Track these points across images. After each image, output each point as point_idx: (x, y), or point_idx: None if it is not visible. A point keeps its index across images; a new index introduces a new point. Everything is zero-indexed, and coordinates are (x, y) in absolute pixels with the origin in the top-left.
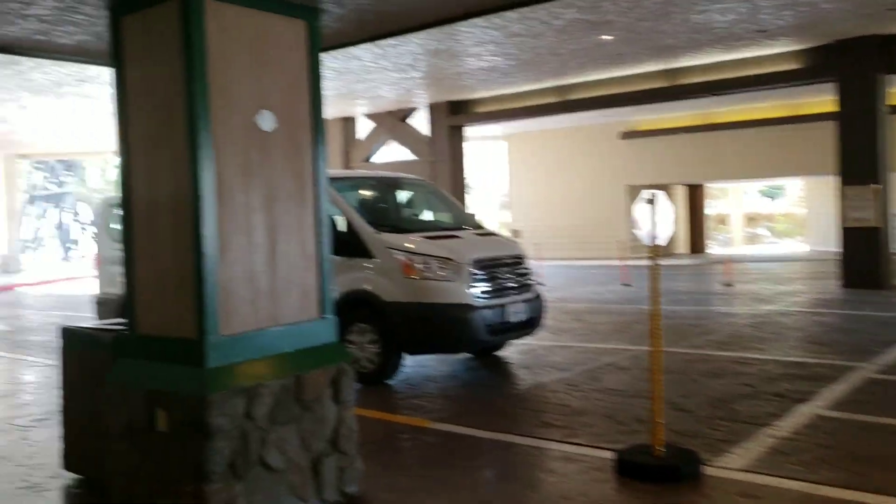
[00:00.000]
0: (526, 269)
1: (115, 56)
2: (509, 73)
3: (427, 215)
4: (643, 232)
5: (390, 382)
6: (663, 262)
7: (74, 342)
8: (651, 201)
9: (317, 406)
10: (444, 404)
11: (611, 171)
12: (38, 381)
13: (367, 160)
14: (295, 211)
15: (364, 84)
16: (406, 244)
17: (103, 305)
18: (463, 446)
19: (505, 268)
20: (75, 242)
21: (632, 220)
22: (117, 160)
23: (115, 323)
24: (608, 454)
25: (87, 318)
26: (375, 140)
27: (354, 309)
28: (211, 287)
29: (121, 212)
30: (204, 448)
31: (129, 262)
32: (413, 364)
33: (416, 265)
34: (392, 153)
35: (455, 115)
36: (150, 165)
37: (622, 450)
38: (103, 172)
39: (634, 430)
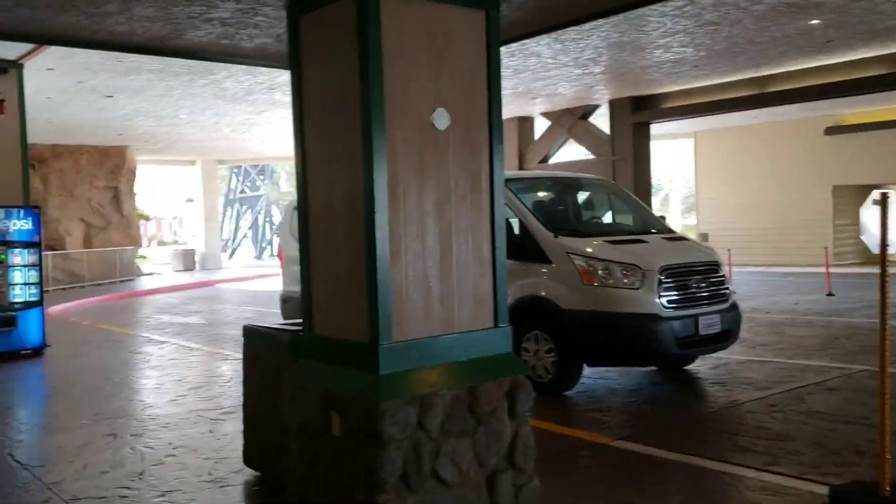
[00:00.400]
0: (721, 277)
1: (293, 57)
2: (700, 64)
3: (610, 218)
4: (872, 236)
5: (568, 394)
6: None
7: (255, 340)
8: (882, 203)
9: (491, 419)
10: (626, 420)
11: (814, 169)
12: (230, 374)
13: (543, 161)
14: (469, 214)
15: (542, 81)
16: (586, 249)
17: (287, 303)
18: (647, 468)
19: (697, 276)
20: (269, 243)
21: (860, 224)
22: (296, 162)
23: (295, 322)
24: (820, 489)
25: (275, 314)
26: (552, 140)
27: (529, 316)
28: (384, 291)
29: (298, 214)
30: (376, 456)
31: (305, 263)
32: (593, 375)
33: (597, 271)
34: (569, 153)
35: (639, 111)
36: (327, 167)
37: (839, 486)
38: (292, 176)
39: (850, 463)
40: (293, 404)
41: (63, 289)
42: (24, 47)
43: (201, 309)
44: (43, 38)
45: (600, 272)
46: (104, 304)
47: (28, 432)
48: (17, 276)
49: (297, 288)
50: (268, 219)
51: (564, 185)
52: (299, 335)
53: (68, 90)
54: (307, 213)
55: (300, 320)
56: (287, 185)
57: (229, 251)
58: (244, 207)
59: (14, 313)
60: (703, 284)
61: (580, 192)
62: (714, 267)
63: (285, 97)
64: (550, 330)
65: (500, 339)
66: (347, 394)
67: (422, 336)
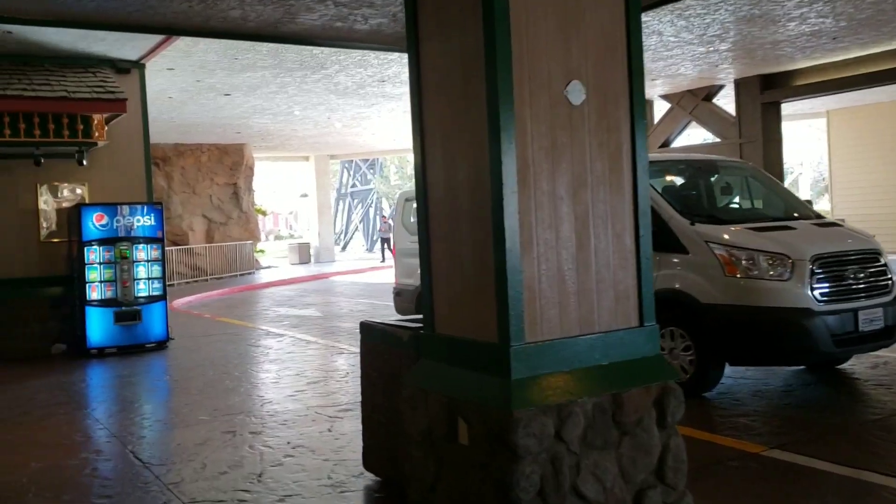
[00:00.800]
0: (882, 266)
1: (411, 35)
2: (839, 36)
3: (750, 203)
4: None
5: (707, 396)
6: None
7: (373, 337)
8: None
9: (638, 430)
10: (778, 426)
11: None
12: (346, 368)
13: (664, 146)
14: (608, 198)
15: (663, 62)
16: (727, 237)
17: (400, 296)
18: (807, 481)
19: (854, 266)
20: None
21: None
22: (414, 148)
23: (414, 319)
24: None
25: (388, 307)
26: (674, 123)
27: (663, 311)
28: (514, 287)
29: (417, 203)
30: (510, 470)
31: (426, 256)
32: (734, 375)
33: (740, 261)
34: (691, 137)
35: (768, 90)
36: (448, 152)
37: None
38: (400, 169)
39: None
40: (415, 408)
41: (186, 282)
42: (145, 46)
43: (316, 301)
44: (156, 28)
45: (744, 262)
46: (225, 297)
47: (150, 428)
48: (141, 271)
49: (410, 281)
50: (378, 212)
51: (698, 168)
52: (420, 333)
53: (188, 89)
54: (426, 201)
55: (418, 316)
56: (396, 179)
57: (342, 244)
58: (355, 201)
59: (139, 307)
60: (861, 275)
61: (715, 176)
62: (874, 255)
63: (395, 89)
64: (687, 326)
65: (646, 339)
66: (475, 400)
67: (557, 336)
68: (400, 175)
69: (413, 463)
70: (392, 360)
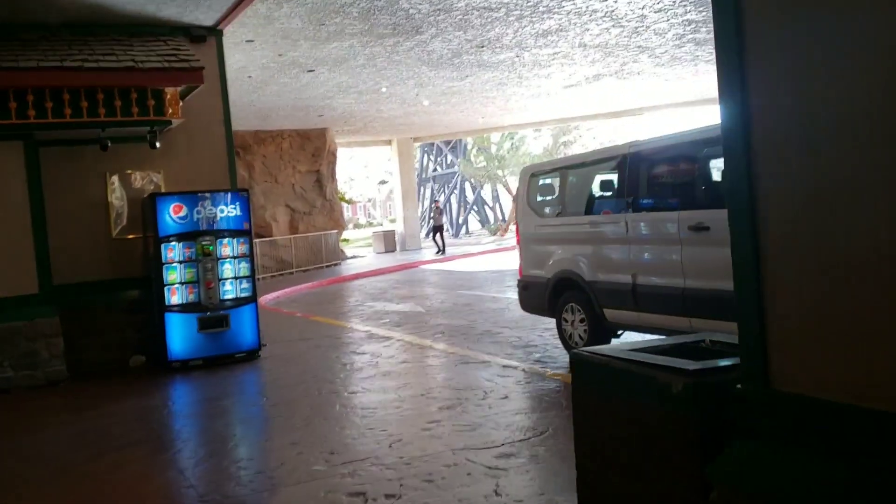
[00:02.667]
0: None
1: None
2: None
3: None
4: None
5: None
6: None
7: (604, 382)
8: None
9: None
10: None
11: None
12: (482, 385)
13: None
14: None
15: None
16: None
17: (528, 290)
18: None
19: None
20: (465, 221)
21: None
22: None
23: (655, 346)
24: None
25: (494, 300)
26: None
27: None
28: None
29: (725, 167)
30: None
31: (749, 256)
32: None
33: None
34: None
35: None
36: (801, 66)
37: None
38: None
39: None
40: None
41: (272, 276)
42: (222, 6)
43: (413, 294)
44: None
45: None
46: (313, 291)
47: (251, 485)
48: (227, 270)
49: (540, 272)
50: (462, 197)
51: None
52: (735, 388)
53: (269, 66)
54: (749, 155)
55: (645, 340)
56: (481, 160)
57: (424, 231)
58: (437, 186)
59: (226, 312)
60: None
61: None
62: None
63: (494, 56)
64: None
65: None
66: None
67: None
68: (484, 155)
69: None
70: (649, 425)
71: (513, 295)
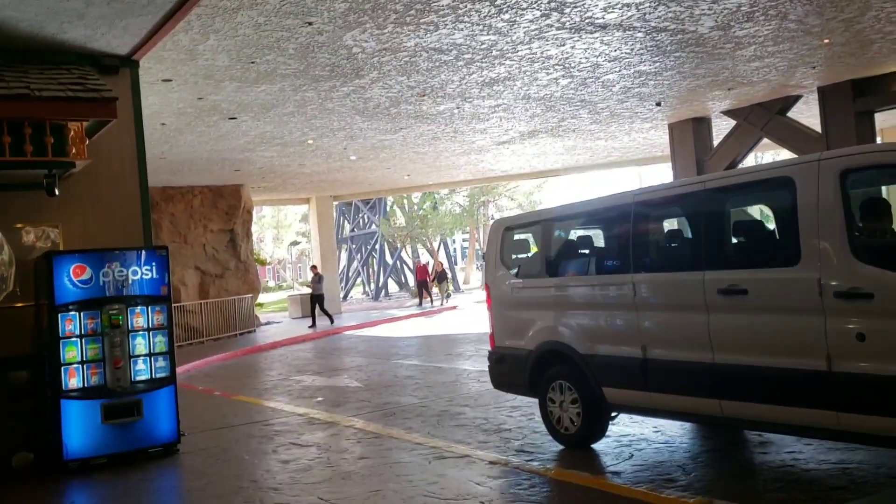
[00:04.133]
0: None
1: None
2: None
3: None
4: None
5: None
6: None
7: None
8: None
9: None
10: None
11: None
12: (477, 492)
13: (731, 167)
14: None
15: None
16: None
17: (503, 363)
18: None
19: None
20: (383, 285)
21: None
22: None
23: None
24: None
25: (441, 370)
26: (741, 142)
27: None
28: None
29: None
30: None
31: None
32: None
33: None
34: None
35: (862, 97)
36: None
37: None
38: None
39: None
40: None
41: (180, 346)
42: (139, 32)
43: (343, 365)
44: None
45: None
46: (229, 362)
47: None
48: (139, 345)
49: (519, 342)
50: (382, 259)
51: None
52: None
53: (186, 111)
54: None
55: None
56: (400, 220)
57: (341, 293)
58: (354, 246)
59: (138, 397)
60: None
61: None
62: None
63: (433, 107)
64: None
65: None
66: None
67: None
68: (407, 215)
69: None
70: None
71: (460, 365)
